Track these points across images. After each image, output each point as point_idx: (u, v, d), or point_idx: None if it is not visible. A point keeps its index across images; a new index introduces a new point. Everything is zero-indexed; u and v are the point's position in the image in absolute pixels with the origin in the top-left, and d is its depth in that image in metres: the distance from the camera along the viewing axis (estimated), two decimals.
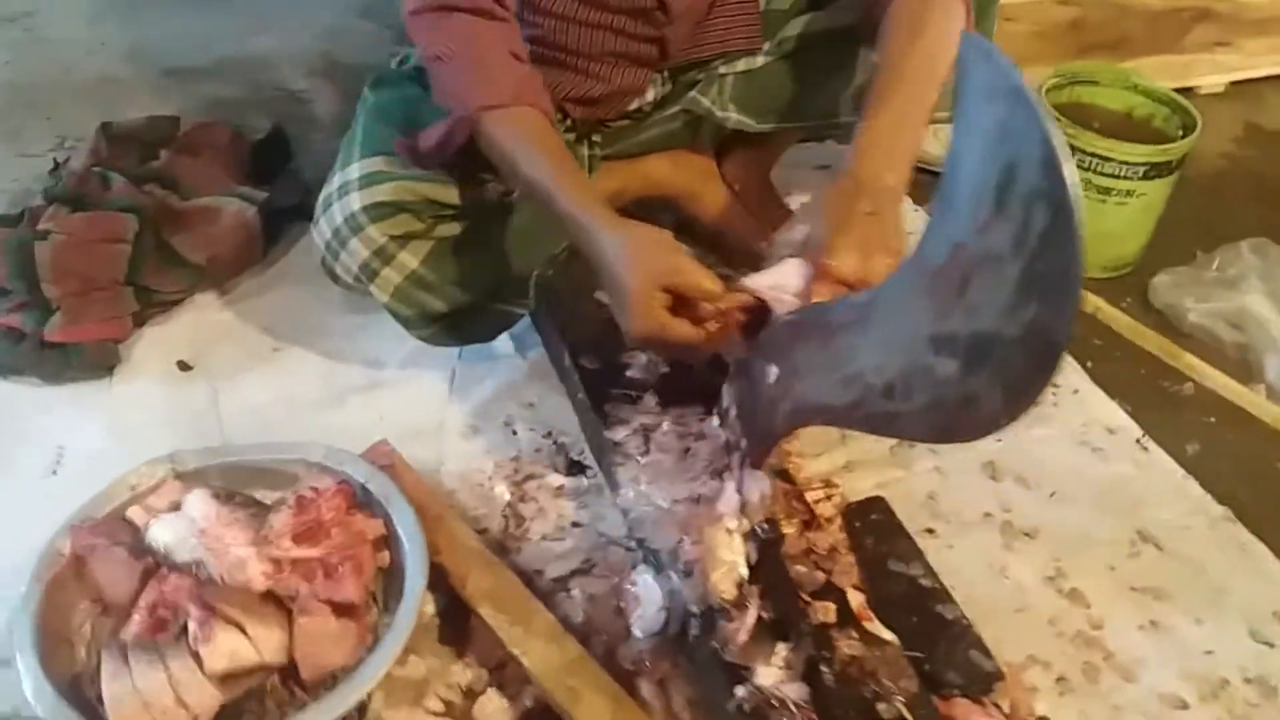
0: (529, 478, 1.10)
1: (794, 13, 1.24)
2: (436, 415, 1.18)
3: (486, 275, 1.15)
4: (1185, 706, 0.95)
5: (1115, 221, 1.40)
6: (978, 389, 0.63)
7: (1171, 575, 1.07)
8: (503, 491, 1.08)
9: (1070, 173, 0.53)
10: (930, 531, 1.09)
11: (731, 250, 1.39)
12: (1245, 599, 1.05)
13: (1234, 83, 1.90)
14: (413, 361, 1.24)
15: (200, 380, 1.20)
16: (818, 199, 0.98)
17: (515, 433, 1.16)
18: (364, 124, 1.15)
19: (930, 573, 1.01)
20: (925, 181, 1.62)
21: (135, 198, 1.23)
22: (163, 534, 0.93)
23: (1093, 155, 1.36)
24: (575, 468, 1.12)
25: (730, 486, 0.93)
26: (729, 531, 0.92)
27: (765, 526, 0.94)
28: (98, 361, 1.17)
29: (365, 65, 1.82)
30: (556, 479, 1.10)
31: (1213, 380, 1.28)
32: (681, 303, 0.92)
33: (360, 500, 0.98)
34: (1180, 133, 1.41)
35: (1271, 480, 1.18)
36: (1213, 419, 1.26)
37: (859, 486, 1.11)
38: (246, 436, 1.11)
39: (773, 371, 0.85)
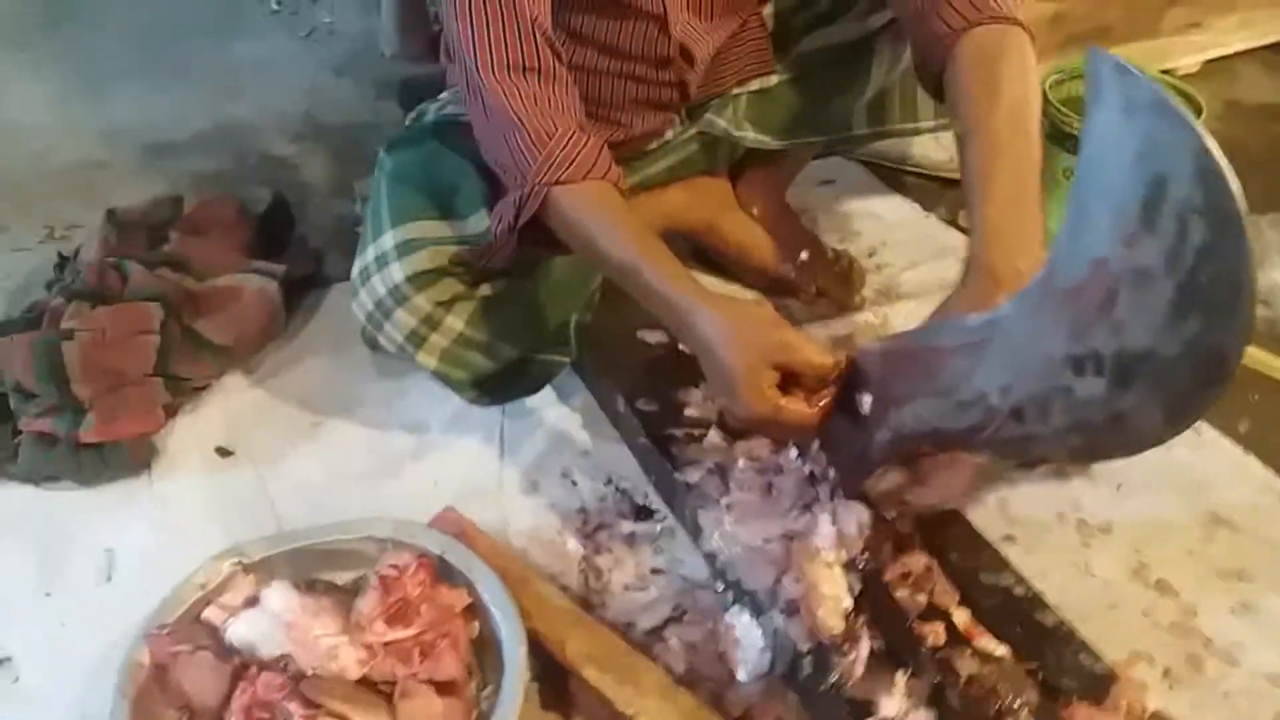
0: (599, 528, 1.08)
1: (804, 29, 1.24)
2: (492, 474, 1.15)
3: (530, 327, 1.13)
4: None
5: None
6: (1128, 407, 0.62)
7: (1250, 555, 1.07)
8: (576, 545, 1.06)
9: (1234, 184, 0.52)
10: (1009, 539, 1.08)
11: (755, 275, 1.39)
12: None
13: (1208, 61, 1.94)
14: (457, 422, 1.21)
15: (243, 465, 1.16)
16: (954, 298, 0.87)
17: (575, 484, 1.13)
18: (388, 190, 1.12)
19: (1021, 580, 1.00)
20: (933, 188, 1.65)
21: (156, 286, 1.19)
22: (245, 632, 0.90)
23: None
24: (643, 513, 1.09)
25: (825, 519, 0.91)
26: (828, 565, 0.90)
27: (864, 556, 0.92)
28: (136, 459, 1.13)
29: (351, 124, 1.81)
30: (627, 526, 1.08)
31: (1251, 358, 1.29)
32: (792, 380, 0.87)
33: (441, 572, 0.95)
34: None
35: None
36: (1257, 396, 1.26)
37: (926, 503, 1.09)
38: (301, 518, 1.07)
39: (866, 400, 0.84)
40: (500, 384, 1.14)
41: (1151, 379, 0.61)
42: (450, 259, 1.07)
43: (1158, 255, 0.57)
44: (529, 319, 1.14)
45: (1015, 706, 0.85)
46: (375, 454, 1.18)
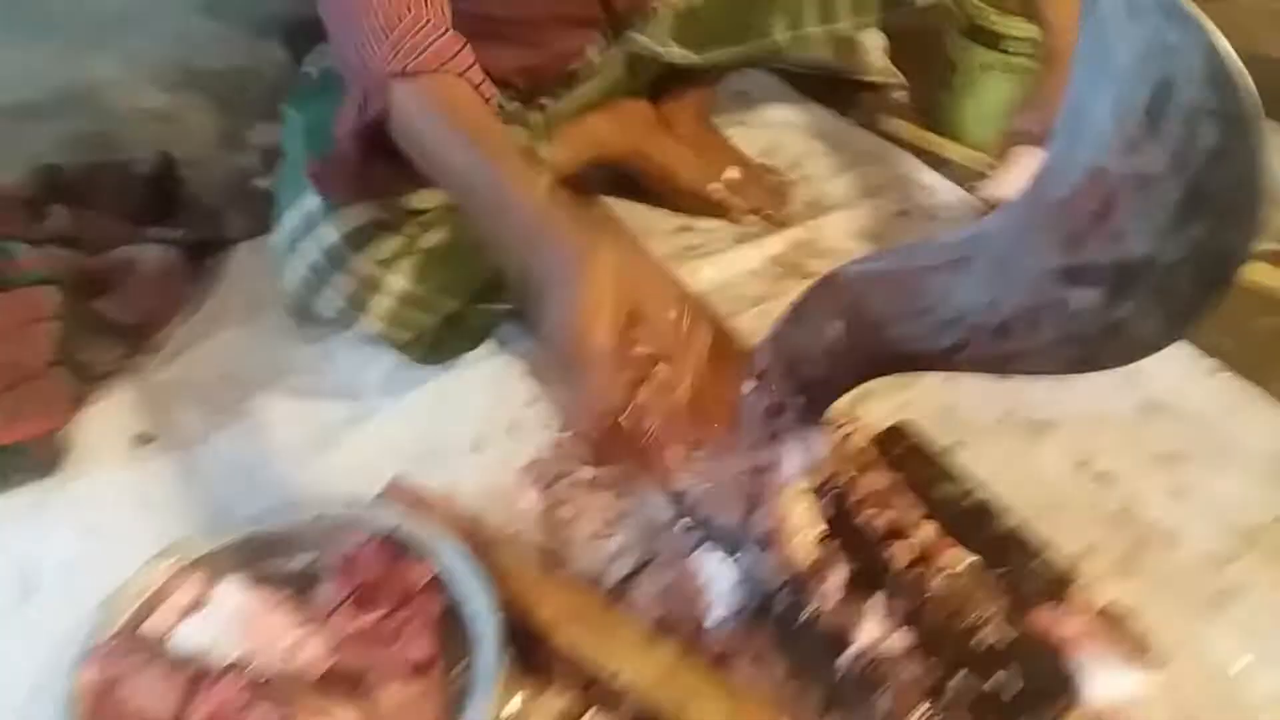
0: (557, 478, 1.05)
1: None
2: (437, 435, 1.11)
3: (472, 276, 1.08)
4: (1230, 562, 0.99)
5: None
6: (1125, 316, 0.61)
7: (1185, 436, 1.11)
8: (534, 499, 1.03)
9: (1246, 83, 0.51)
10: (959, 444, 1.10)
11: (684, 198, 1.36)
12: (1254, 445, 1.10)
13: None
14: (393, 383, 1.16)
15: (167, 452, 1.09)
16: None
17: (526, 435, 1.10)
18: (305, 145, 1.05)
19: (975, 488, 1.01)
20: (847, 92, 1.63)
21: (47, 266, 1.10)
22: (197, 636, 0.85)
23: (1021, 39, 1.37)
24: None
25: (791, 449, 0.90)
26: (798, 495, 0.90)
27: (831, 482, 0.92)
28: (44, 459, 1.05)
29: (230, 69, 1.70)
30: (587, 472, 1.05)
31: None
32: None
33: (400, 547, 0.92)
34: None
35: (1250, 332, 1.23)
36: None
37: (876, 415, 1.10)
38: (239, 504, 1.02)
39: (835, 326, 0.82)
40: (442, 341, 1.10)
41: (1151, 286, 0.60)
42: (388, 210, 1.01)
43: (1162, 160, 0.55)
44: (472, 268, 1.09)
45: (986, 618, 0.87)
46: (310, 425, 1.12)
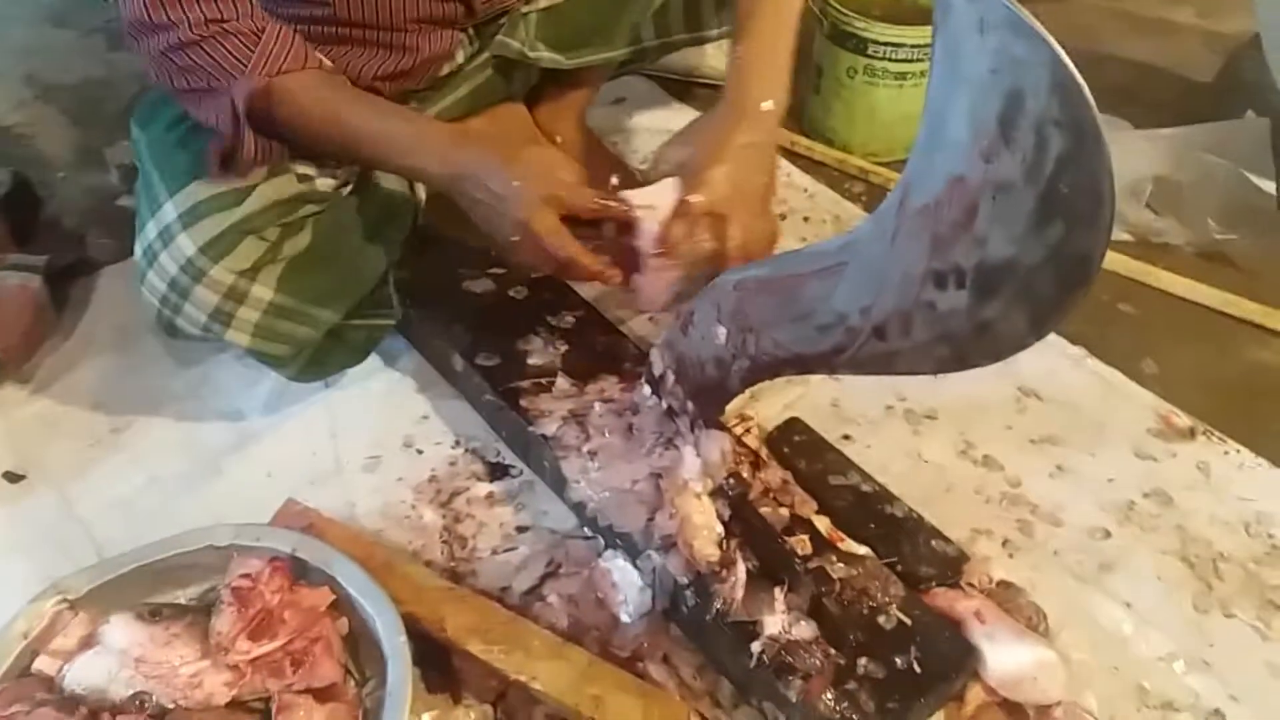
0: (455, 494, 1.04)
1: None
2: (328, 455, 1.08)
3: (345, 286, 1.05)
4: (1109, 535, 1.05)
5: (914, 103, 1.45)
6: (993, 316, 0.64)
7: (1057, 420, 1.16)
8: (433, 516, 1.02)
9: (1089, 96, 0.54)
10: (847, 438, 1.13)
11: None
12: (1121, 425, 1.16)
13: None
14: (277, 403, 1.13)
15: (40, 489, 1.04)
16: (700, 123, 1.00)
17: (420, 451, 1.09)
18: (152, 160, 1.01)
19: (867, 477, 1.05)
20: (707, 95, 1.65)
21: None
22: (87, 675, 0.81)
23: (886, 44, 1.41)
24: (498, 470, 1.07)
25: (689, 452, 0.92)
26: (698, 496, 0.91)
27: (729, 481, 0.93)
28: None
29: (85, 81, 1.62)
30: (483, 487, 1.05)
31: None
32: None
33: (297, 572, 0.89)
34: None
35: (1111, 316, 1.30)
36: None
37: (768, 413, 1.12)
38: (122, 539, 0.97)
39: (720, 332, 0.84)
40: (321, 357, 1.07)
41: (1015, 287, 0.63)
42: (245, 214, 0.98)
43: (1017, 167, 0.59)
44: (343, 277, 1.06)
45: (885, 603, 0.90)
46: (192, 453, 1.08)
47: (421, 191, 1.15)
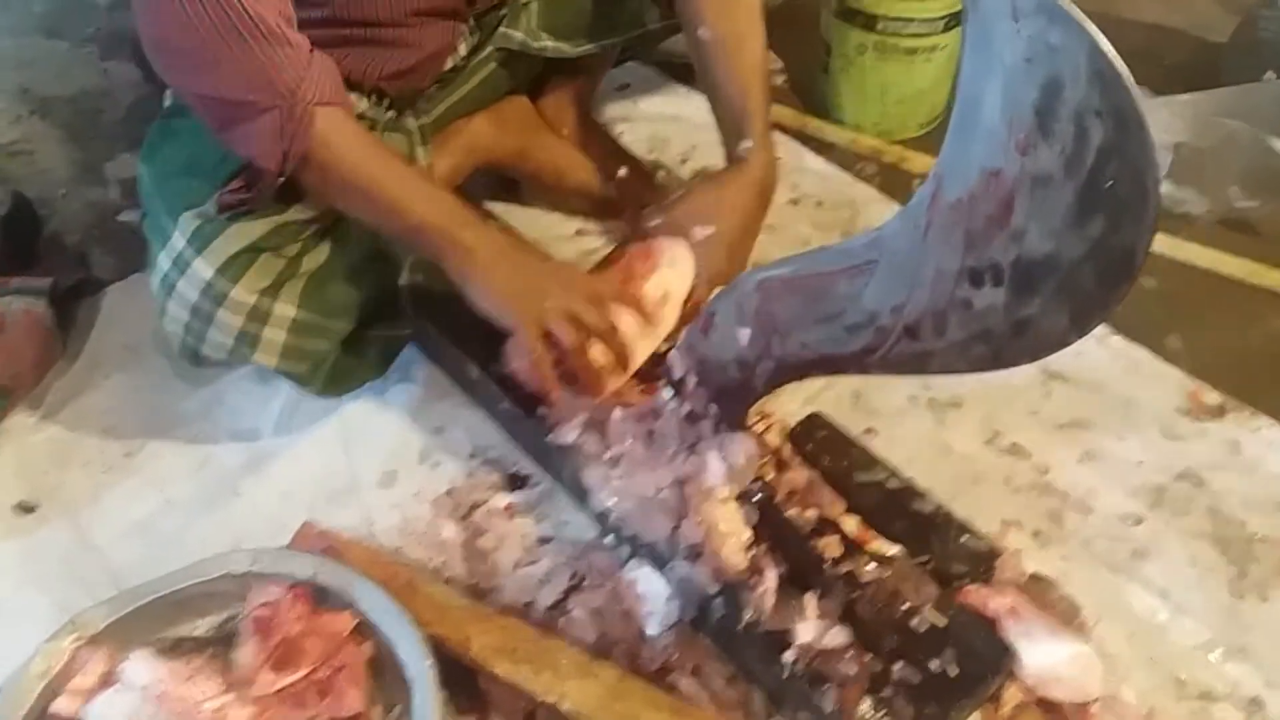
0: (474, 507, 1.02)
1: None
2: (343, 473, 1.06)
3: (361, 295, 1.03)
4: (1140, 521, 1.03)
5: (925, 79, 1.44)
6: (1032, 313, 0.62)
7: (1084, 403, 1.14)
8: (453, 531, 1.00)
9: (1132, 83, 0.51)
10: (870, 431, 1.11)
11: (574, 199, 1.33)
12: (1148, 404, 1.14)
13: None
14: (291, 421, 1.11)
15: (54, 518, 1.03)
16: (717, 193, 1.11)
17: (437, 464, 1.07)
18: (157, 192, 0.99)
19: (894, 473, 1.02)
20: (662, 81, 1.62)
21: None
22: (108, 715, 0.80)
23: (895, 19, 1.37)
24: (517, 481, 1.05)
25: (713, 456, 0.90)
26: (724, 502, 0.89)
27: (755, 485, 0.91)
28: None
29: (81, 93, 1.59)
30: (503, 498, 1.03)
31: None
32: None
33: (318, 597, 0.88)
34: None
35: (1134, 291, 1.25)
36: None
37: (789, 409, 1.10)
38: (140, 568, 0.96)
39: (744, 334, 0.82)
40: (342, 370, 1.05)
41: (1055, 284, 0.61)
42: (259, 230, 0.95)
43: (1056, 160, 0.56)
44: (362, 287, 1.04)
45: (918, 604, 0.88)
46: (206, 475, 1.06)
47: None
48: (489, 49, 1.20)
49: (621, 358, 0.95)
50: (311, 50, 0.92)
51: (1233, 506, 1.04)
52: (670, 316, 1.01)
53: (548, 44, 1.21)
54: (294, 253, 0.98)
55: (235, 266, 0.93)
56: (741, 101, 1.09)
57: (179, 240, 0.94)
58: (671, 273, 1.03)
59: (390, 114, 1.13)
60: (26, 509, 1.03)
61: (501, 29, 1.19)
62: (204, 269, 0.92)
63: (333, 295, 1.00)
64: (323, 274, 1.00)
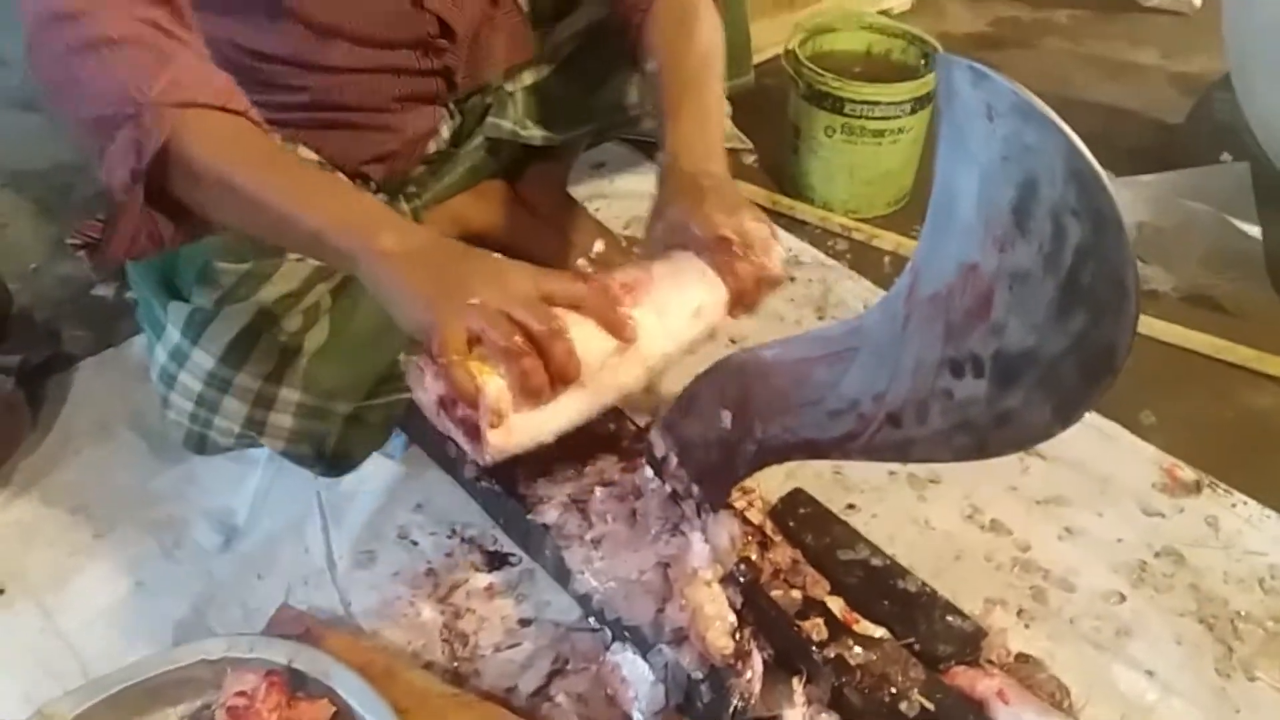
0: (453, 587, 1.01)
1: (554, 14, 1.20)
2: (320, 553, 1.04)
3: (368, 374, 1.01)
4: (1124, 598, 1.04)
5: (893, 159, 1.47)
6: (1014, 405, 0.63)
7: (1062, 480, 1.15)
8: (432, 613, 0.98)
9: (1109, 183, 0.53)
10: (852, 507, 1.11)
11: None
12: (1125, 481, 1.15)
13: None
14: (266, 500, 1.09)
15: (20, 603, 0.99)
16: (660, 203, 0.91)
17: (416, 543, 1.05)
18: (145, 284, 0.97)
19: (877, 550, 1.02)
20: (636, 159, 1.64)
21: None
22: None
23: (862, 103, 1.41)
24: (497, 559, 1.03)
25: (697, 538, 0.89)
26: (708, 584, 0.88)
27: (740, 567, 0.91)
28: None
29: (54, 167, 1.59)
30: (482, 578, 1.02)
31: None
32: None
33: (294, 684, 0.85)
34: (922, 61, 1.49)
35: None
36: None
37: (771, 484, 1.09)
38: (108, 654, 0.94)
39: (726, 416, 0.82)
40: (346, 444, 1.02)
41: (1037, 377, 0.61)
42: (253, 311, 0.94)
43: (1034, 257, 0.57)
44: (364, 365, 1.01)
45: (906, 687, 0.87)
46: (179, 557, 1.04)
47: None
48: (479, 138, 1.21)
49: (566, 370, 0.73)
50: (205, 63, 0.80)
51: (1214, 583, 1.05)
52: (696, 330, 0.84)
53: (535, 133, 1.22)
54: (294, 329, 0.96)
55: (237, 352, 0.92)
56: (668, 117, 0.96)
57: (173, 333, 0.93)
58: (703, 287, 0.85)
59: (381, 196, 1.14)
60: None
61: (490, 119, 1.20)
62: (204, 359, 0.91)
63: (336, 376, 0.98)
64: (325, 354, 0.98)
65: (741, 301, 0.83)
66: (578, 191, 1.48)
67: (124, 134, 0.75)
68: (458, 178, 1.21)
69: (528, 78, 1.21)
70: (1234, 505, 1.12)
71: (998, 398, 0.64)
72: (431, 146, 1.18)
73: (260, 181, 0.77)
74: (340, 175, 0.96)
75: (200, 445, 0.96)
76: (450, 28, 1.08)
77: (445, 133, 1.19)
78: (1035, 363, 0.61)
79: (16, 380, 1.11)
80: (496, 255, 0.80)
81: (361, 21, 1.03)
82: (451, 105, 1.19)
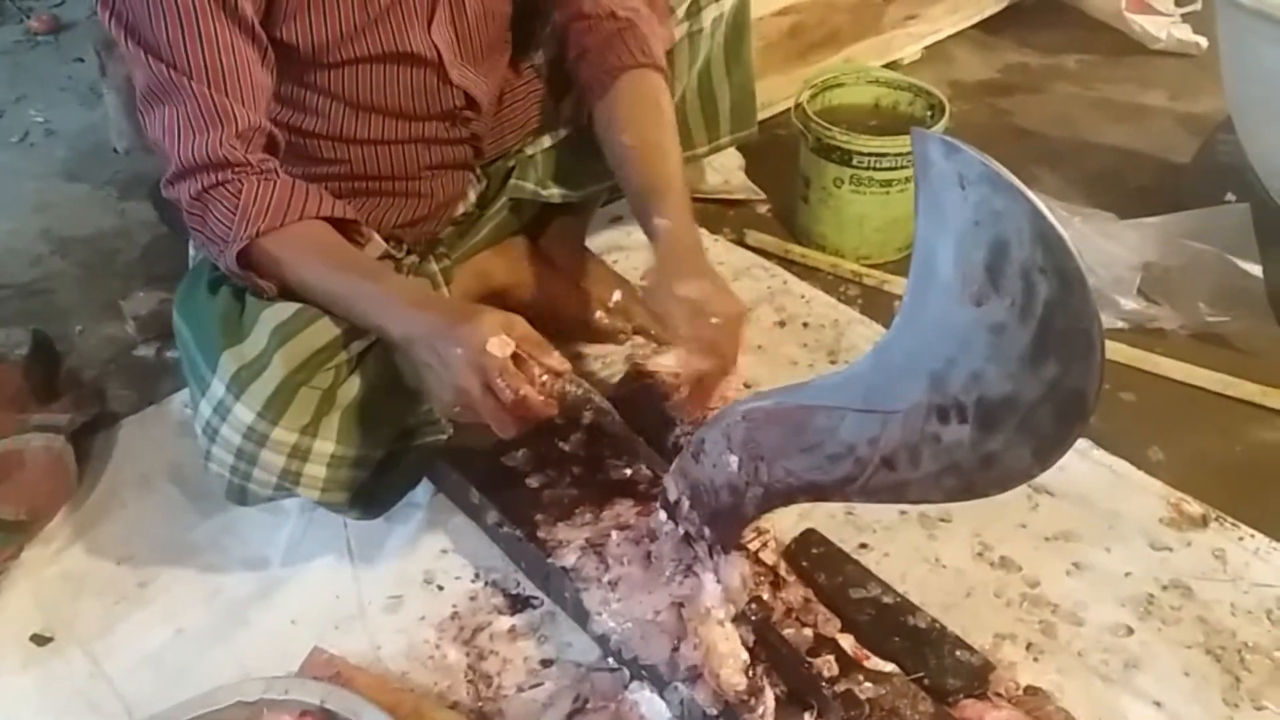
0: (477, 630, 1.05)
1: (571, 83, 1.26)
2: (350, 598, 1.09)
3: (397, 423, 1.07)
4: (1131, 631, 1.06)
5: (901, 207, 1.51)
6: (997, 448, 0.67)
7: (1070, 516, 1.18)
8: (457, 655, 1.02)
9: (1071, 244, 0.57)
10: (864, 546, 1.14)
11: (571, 326, 1.39)
12: (1133, 516, 1.17)
13: (926, 48, 2.10)
14: (299, 547, 1.14)
15: (68, 649, 1.05)
16: (658, 267, 1.07)
17: (441, 587, 1.10)
18: (193, 340, 1.03)
19: (888, 588, 1.05)
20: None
21: None
22: None
23: (870, 154, 1.45)
24: (519, 603, 1.07)
25: (709, 578, 0.93)
26: (721, 623, 0.92)
27: (751, 605, 0.94)
28: None
29: (98, 234, 1.67)
30: (505, 621, 1.05)
31: None
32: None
33: None
34: (929, 112, 1.54)
35: (1113, 405, 1.31)
36: None
37: (783, 525, 1.13)
38: (150, 697, 0.98)
39: (732, 460, 0.86)
40: (379, 488, 1.08)
41: (1016, 422, 0.66)
42: (293, 363, 0.99)
43: (1008, 311, 0.62)
44: (394, 415, 1.08)
45: None
46: (217, 604, 1.09)
47: None
48: (504, 200, 1.28)
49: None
50: (262, 182, 0.99)
51: (1222, 615, 1.07)
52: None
53: (555, 191, 1.29)
54: (328, 384, 1.01)
55: (275, 405, 0.97)
56: (664, 192, 1.10)
57: (218, 388, 0.98)
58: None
59: (412, 258, 1.20)
60: (41, 640, 1.05)
61: (513, 181, 1.27)
62: (245, 413, 0.96)
63: (368, 427, 1.04)
64: (358, 407, 1.03)
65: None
66: (596, 243, 1.54)
67: (225, 262, 0.99)
68: (483, 237, 1.28)
69: (547, 140, 1.28)
70: (1241, 538, 1.14)
71: (981, 441, 0.68)
72: (459, 209, 1.25)
73: (325, 291, 1.00)
74: (385, 268, 1.08)
75: (241, 496, 1.01)
76: (475, 100, 1.16)
77: (472, 196, 1.26)
78: (1014, 408, 0.65)
79: (66, 438, 1.17)
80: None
81: (395, 98, 1.12)
82: (478, 170, 1.26)
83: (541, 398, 0.92)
